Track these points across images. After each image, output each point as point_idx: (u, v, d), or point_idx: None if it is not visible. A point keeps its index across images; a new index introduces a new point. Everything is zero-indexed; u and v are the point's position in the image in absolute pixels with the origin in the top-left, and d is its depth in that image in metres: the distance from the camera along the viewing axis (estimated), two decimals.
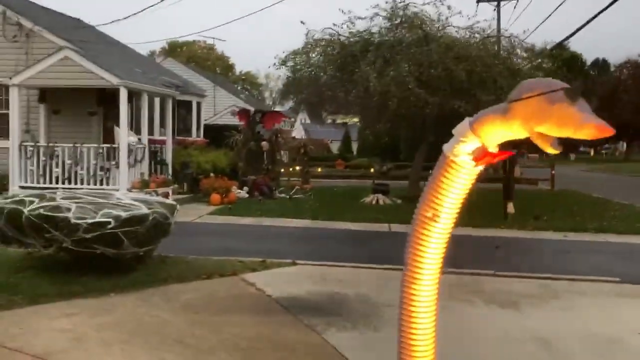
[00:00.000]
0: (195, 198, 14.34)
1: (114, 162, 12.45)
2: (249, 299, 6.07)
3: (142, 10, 18.43)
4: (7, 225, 6.00)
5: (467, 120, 1.86)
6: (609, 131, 1.63)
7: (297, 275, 7.15)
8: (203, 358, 4.36)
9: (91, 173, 12.43)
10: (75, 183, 12.26)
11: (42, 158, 12.45)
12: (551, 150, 1.72)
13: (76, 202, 6.17)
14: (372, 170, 18.98)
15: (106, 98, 13.14)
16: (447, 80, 13.43)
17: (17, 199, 6.19)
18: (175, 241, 9.32)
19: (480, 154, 1.84)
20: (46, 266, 6.52)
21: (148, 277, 6.49)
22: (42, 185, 12.05)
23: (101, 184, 12.36)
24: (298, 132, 57.01)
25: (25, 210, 5.82)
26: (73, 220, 5.76)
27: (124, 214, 6.04)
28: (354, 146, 41.46)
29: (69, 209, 5.89)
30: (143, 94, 13.34)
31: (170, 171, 14.61)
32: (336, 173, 28.39)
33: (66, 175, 12.40)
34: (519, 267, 7.89)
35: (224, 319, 5.33)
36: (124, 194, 7.15)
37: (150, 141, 14.15)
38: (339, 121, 26.27)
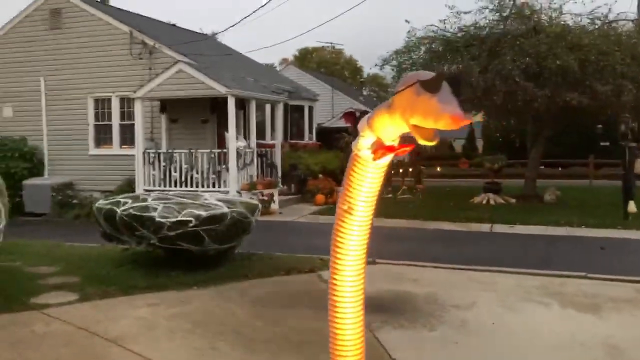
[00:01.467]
0: (302, 199, 14.84)
1: (224, 166, 13.31)
2: (318, 294, 6.23)
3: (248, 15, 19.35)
4: (105, 224, 6.76)
5: (366, 116, 1.89)
6: (464, 121, 1.60)
7: (373, 273, 7.14)
8: (253, 347, 4.63)
9: (204, 176, 13.40)
10: (191, 186, 13.26)
11: (162, 163, 13.66)
12: (424, 142, 1.70)
13: (164, 203, 6.77)
14: (486, 167, 18.23)
15: (218, 106, 14.06)
16: (558, 71, 12.62)
17: (115, 200, 6.93)
18: (269, 239, 9.81)
19: (376, 148, 1.87)
20: (140, 261, 7.23)
21: (229, 273, 6.94)
22: (162, 188, 13.20)
23: (213, 186, 13.26)
24: None
25: (119, 210, 6.51)
26: (158, 219, 6.33)
27: (204, 213, 6.52)
28: (480, 144, 40.03)
29: (155, 209, 6.49)
30: (251, 100, 14.10)
31: (279, 173, 15.26)
32: (456, 172, 27.64)
33: (183, 178, 13.48)
34: (619, 270, 7.26)
35: (287, 312, 5.57)
36: (211, 195, 7.66)
37: (260, 145, 14.89)
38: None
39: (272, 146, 15.53)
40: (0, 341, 4.71)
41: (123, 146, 15.19)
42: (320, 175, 15.72)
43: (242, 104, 14.62)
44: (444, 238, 9.93)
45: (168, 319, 5.29)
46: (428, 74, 1.61)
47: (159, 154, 13.77)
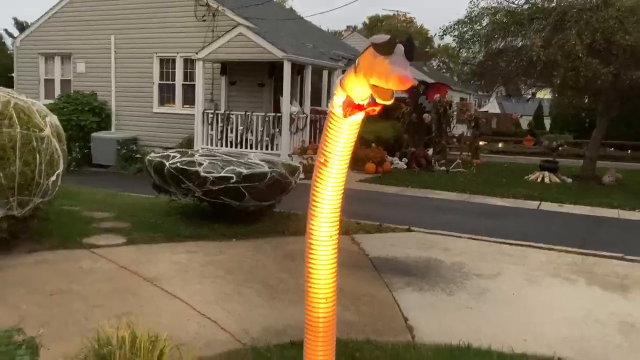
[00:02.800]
0: (353, 166, 15.01)
1: (277, 130, 13.64)
2: (347, 255, 6.48)
3: None
4: (155, 176, 7.21)
5: (340, 76, 2.06)
6: (409, 82, 1.75)
7: (405, 240, 7.36)
8: (274, 295, 4.95)
9: (258, 138, 13.79)
10: (246, 147, 13.68)
11: (219, 124, 14.14)
12: (381, 101, 1.86)
13: (210, 159, 7.15)
14: (543, 144, 17.69)
15: (276, 70, 14.32)
16: (627, 48, 12.05)
17: (165, 154, 7.37)
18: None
19: (346, 106, 2.04)
20: (187, 213, 7.68)
21: (267, 228, 7.28)
22: (219, 148, 13.70)
23: (267, 148, 13.64)
24: (492, 106, 54.64)
25: (167, 163, 6.93)
26: (202, 174, 6.72)
27: (245, 171, 6.86)
28: (547, 122, 38.63)
29: (201, 164, 6.88)
30: (307, 66, 14.27)
31: None
32: (519, 149, 26.90)
33: (238, 139, 13.93)
34: None
35: (287, 268, 5.85)
36: (256, 154, 8.00)
37: (314, 111, 15.09)
38: (529, 95, 24.85)
39: (326, 112, 15.70)
40: (53, 273, 5.24)
41: (185, 105, 15.78)
42: (373, 145, 15.79)
43: (298, 69, 14.83)
44: (488, 212, 9.89)
45: (203, 265, 5.69)
46: (382, 37, 1.77)
47: (217, 114, 14.25)
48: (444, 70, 59.81)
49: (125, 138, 15.95)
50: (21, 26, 30.80)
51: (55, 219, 7.07)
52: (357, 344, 3.87)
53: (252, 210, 7.23)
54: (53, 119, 6.18)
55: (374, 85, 1.86)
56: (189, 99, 15.43)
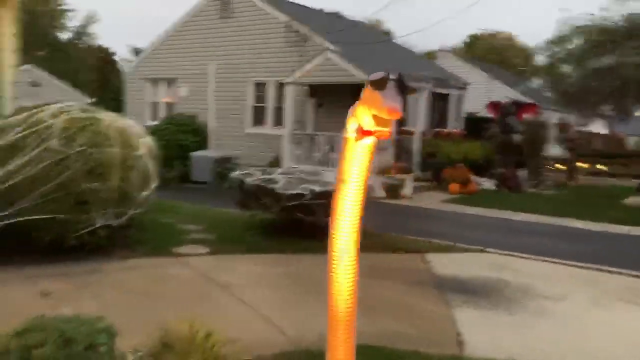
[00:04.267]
0: (437, 186, 15.03)
1: None
2: (414, 272, 6.70)
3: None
4: (238, 192, 7.82)
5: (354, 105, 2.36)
6: (396, 114, 2.03)
7: (475, 260, 7.42)
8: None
9: None
10: (330, 166, 14.17)
11: (305, 144, 14.76)
12: (380, 129, 2.15)
13: (287, 177, 7.65)
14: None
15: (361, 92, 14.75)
16: None
17: (247, 171, 7.96)
18: (390, 220, 10.32)
19: (358, 131, 2.35)
20: (266, 227, 8.20)
21: None
22: (304, 167, 14.29)
23: None
24: (596, 126, 51.85)
25: (247, 181, 7.51)
26: (278, 191, 7.21)
27: (317, 188, 7.27)
28: None
29: (277, 182, 7.39)
30: None
31: (415, 160, 15.59)
32: (623, 171, 25.40)
33: (324, 159, 14.46)
34: None
35: (376, 282, 6.12)
36: (333, 172, 8.40)
37: (399, 131, 15.33)
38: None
39: (412, 133, 15.88)
40: (143, 277, 5.90)
41: (275, 126, 16.60)
42: (461, 165, 15.71)
43: None
44: (570, 235, 9.62)
45: (273, 276, 6.15)
46: (379, 75, 2.08)
47: (304, 135, 14.88)
48: (546, 89, 57.49)
49: (221, 157, 16.98)
50: (136, 53, 33.61)
51: (151, 229, 7.85)
52: (401, 353, 4.10)
53: (325, 225, 7.59)
54: (147, 140, 6.94)
55: (374, 115, 2.17)
56: (279, 120, 16.22)
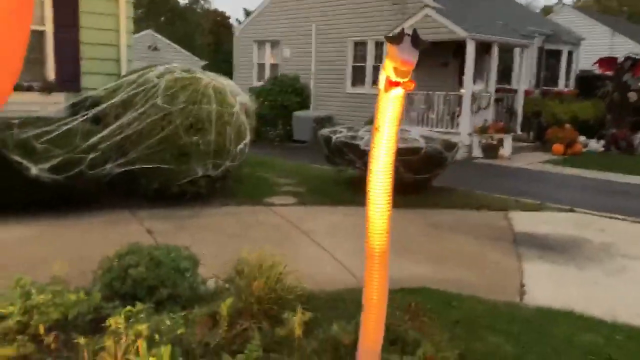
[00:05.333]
0: (540, 147, 14.55)
1: (458, 109, 13.85)
2: (491, 228, 6.79)
3: None
4: (325, 149, 8.23)
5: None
6: (409, 64, 2.25)
7: (561, 219, 7.33)
8: (402, 253, 5.57)
9: (439, 117, 14.17)
10: (427, 125, 14.18)
11: (403, 103, 14.80)
12: (399, 79, 2.37)
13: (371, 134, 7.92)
14: None
15: (461, 49, 14.46)
16: None
17: (334, 129, 8.34)
18: (481, 178, 10.32)
19: (386, 83, 2.58)
20: (353, 182, 8.57)
21: (422, 200, 7.84)
22: (401, 127, 14.40)
23: (447, 127, 13.96)
24: None
25: (334, 137, 7.89)
26: (362, 147, 7.53)
27: (400, 145, 7.45)
28: None
29: (362, 138, 7.70)
30: (494, 44, 14.15)
31: (518, 119, 15.13)
32: None
33: (420, 118, 14.47)
34: None
35: (451, 236, 6.33)
36: (417, 130, 8.57)
37: (501, 90, 14.92)
38: None
39: (515, 91, 15.37)
40: (235, 222, 6.53)
41: (374, 86, 16.74)
42: (567, 125, 15.03)
43: (486, 48, 14.75)
44: None
45: (352, 226, 6.52)
46: (396, 32, 2.31)
47: None
48: None
49: (321, 116, 17.48)
50: (248, 15, 34.80)
51: (247, 182, 8.53)
52: (459, 297, 4.35)
53: (408, 182, 7.84)
54: (243, 98, 7.50)
55: (395, 67, 2.43)
56: (377, 80, 16.35)
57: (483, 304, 4.24)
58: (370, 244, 2.99)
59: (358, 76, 17.26)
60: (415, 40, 2.33)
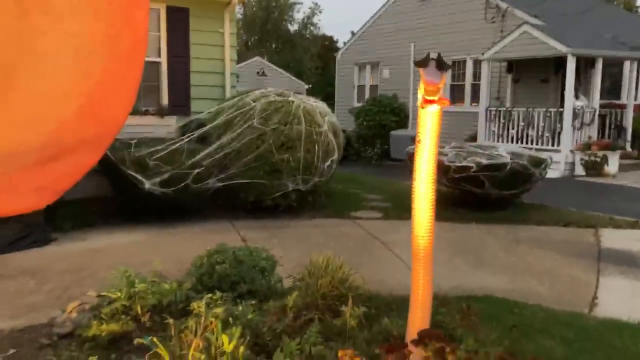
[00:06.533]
0: None
1: (560, 125, 13.47)
2: (576, 244, 6.71)
3: None
4: (410, 165, 8.49)
5: None
6: (433, 86, 2.55)
7: None
8: (478, 266, 5.73)
9: (539, 134, 13.84)
10: (526, 142, 13.92)
11: (501, 120, 14.66)
12: (430, 97, 2.66)
13: (457, 150, 8.12)
14: None
15: (563, 65, 14.10)
16: None
17: None
18: (577, 196, 10.07)
19: (422, 100, 2.88)
20: (439, 198, 8.72)
21: (507, 216, 7.87)
22: (500, 143, 14.25)
23: (547, 144, 13.61)
24: None
25: None
26: (446, 163, 7.74)
27: (484, 161, 7.62)
28: None
29: (446, 155, 7.90)
30: (598, 59, 13.64)
31: (628, 136, 14.39)
32: None
33: (519, 135, 14.22)
34: None
35: (531, 251, 6.36)
36: (503, 146, 8.59)
37: (609, 105, 14.29)
38: None
39: (624, 107, 14.65)
40: (321, 232, 7.01)
41: (473, 103, 16.70)
42: None
43: (591, 63, 14.26)
44: None
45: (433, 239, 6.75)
46: (423, 57, 2.64)
47: (499, 111, 14.79)
48: None
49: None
50: None
51: (337, 197, 9.01)
52: (523, 305, 4.48)
53: (494, 198, 7.92)
54: (331, 117, 8.02)
55: (425, 87, 2.77)
56: (475, 98, 16.31)
57: (545, 312, 4.35)
58: (415, 246, 3.31)
59: (456, 95, 17.29)
60: (440, 64, 2.67)
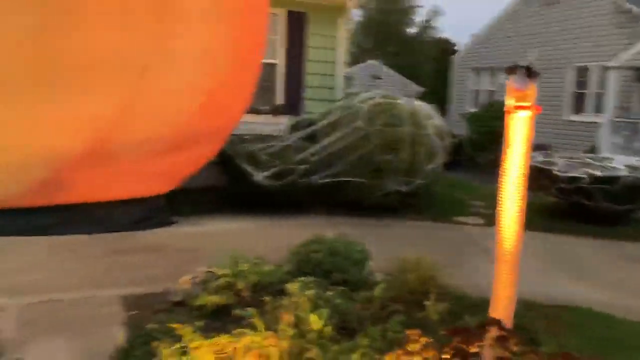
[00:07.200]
0: None
1: None
2: None
3: None
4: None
5: None
6: (519, 92, 2.60)
7: None
8: (576, 279, 5.58)
9: None
10: None
11: (626, 132, 13.75)
12: (519, 103, 2.71)
13: (567, 160, 7.86)
14: None
15: None
16: None
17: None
18: None
19: (511, 107, 2.94)
20: (550, 208, 8.48)
21: (618, 232, 7.50)
22: (622, 157, 13.41)
23: None
24: None
25: None
26: (555, 173, 7.53)
27: (598, 173, 7.32)
28: None
29: (555, 164, 7.68)
30: None
31: None
32: None
33: None
34: None
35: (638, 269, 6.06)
36: (622, 159, 8.17)
37: None
38: None
39: None
40: (418, 233, 7.13)
41: (594, 113, 15.81)
42: None
43: None
44: None
45: (533, 247, 6.59)
46: (512, 65, 2.72)
47: (626, 122, 13.91)
48: None
49: (535, 144, 16.98)
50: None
51: (440, 201, 9.04)
52: (620, 320, 4.35)
53: (606, 212, 7.57)
54: (437, 121, 8.08)
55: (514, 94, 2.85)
56: (598, 107, 15.43)
57: (594, 317, 4.23)
58: (501, 248, 3.38)
59: (576, 103, 16.46)
60: (530, 72, 2.75)
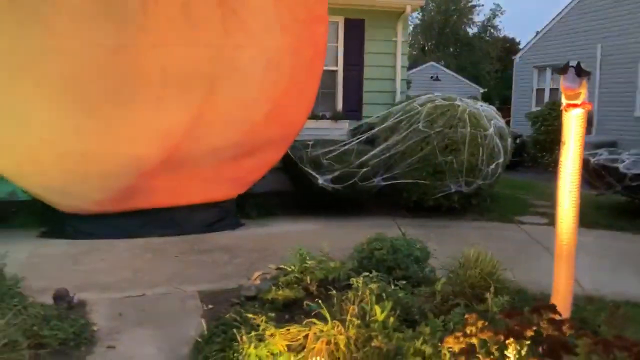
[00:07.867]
0: None
1: None
2: None
3: None
4: (584, 172, 8.22)
5: None
6: (568, 91, 2.69)
7: None
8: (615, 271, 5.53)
9: None
10: None
11: None
12: (568, 101, 2.80)
13: (635, 158, 7.71)
14: None
15: None
16: None
17: (593, 151, 8.28)
18: None
19: (565, 105, 3.04)
20: (614, 206, 8.33)
21: None
22: None
23: None
24: None
25: (592, 160, 7.89)
26: (621, 170, 7.41)
27: None
28: None
29: (622, 161, 7.56)
30: None
31: None
32: None
33: None
34: None
35: None
36: None
37: None
38: None
39: None
40: (480, 234, 7.18)
41: None
42: None
43: None
44: None
45: (599, 247, 6.60)
46: (568, 64, 2.83)
47: None
48: None
49: (602, 142, 16.49)
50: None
51: (502, 201, 9.05)
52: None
53: None
54: (498, 122, 8.11)
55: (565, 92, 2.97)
56: None
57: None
58: (559, 242, 3.49)
59: None
60: (579, 71, 2.88)
